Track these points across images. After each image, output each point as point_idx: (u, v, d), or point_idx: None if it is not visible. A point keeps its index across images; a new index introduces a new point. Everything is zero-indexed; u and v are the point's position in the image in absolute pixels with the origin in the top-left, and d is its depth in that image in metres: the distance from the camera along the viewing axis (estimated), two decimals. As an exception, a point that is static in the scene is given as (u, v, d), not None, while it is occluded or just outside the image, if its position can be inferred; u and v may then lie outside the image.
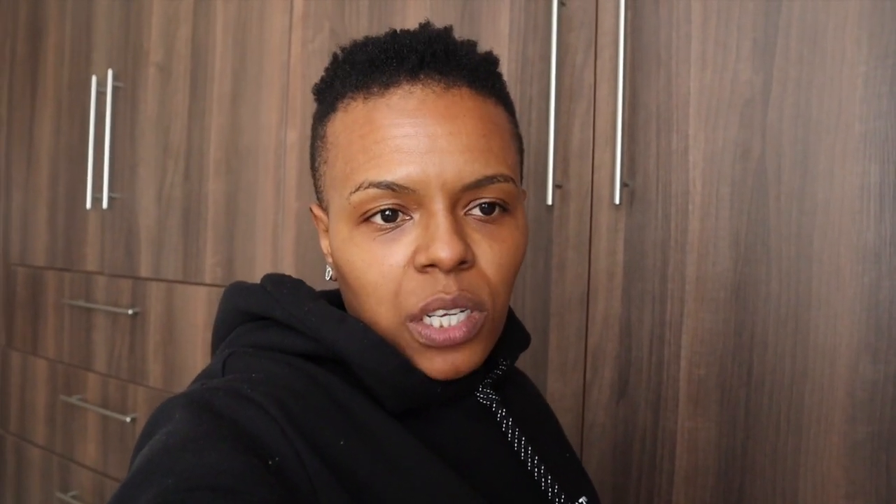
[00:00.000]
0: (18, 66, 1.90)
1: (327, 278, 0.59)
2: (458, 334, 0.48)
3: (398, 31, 0.52)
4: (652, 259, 0.86)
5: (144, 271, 1.51)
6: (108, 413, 1.55)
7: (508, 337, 0.58)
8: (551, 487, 0.53)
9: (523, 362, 0.95)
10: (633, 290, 0.88)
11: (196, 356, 1.40)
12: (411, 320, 0.48)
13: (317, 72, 1.21)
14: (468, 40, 0.54)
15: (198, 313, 1.39)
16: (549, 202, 0.91)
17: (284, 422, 0.42)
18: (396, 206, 0.48)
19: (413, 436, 0.48)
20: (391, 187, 0.47)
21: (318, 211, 0.57)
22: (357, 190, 0.48)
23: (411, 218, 0.48)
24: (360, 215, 0.48)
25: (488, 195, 0.49)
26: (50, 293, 1.77)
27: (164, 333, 1.46)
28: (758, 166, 0.80)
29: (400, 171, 0.47)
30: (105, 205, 1.57)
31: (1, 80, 1.96)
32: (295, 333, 0.51)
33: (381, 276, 0.48)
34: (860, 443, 0.73)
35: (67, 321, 1.71)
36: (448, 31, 0.53)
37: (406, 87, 0.49)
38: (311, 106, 0.58)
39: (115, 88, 1.56)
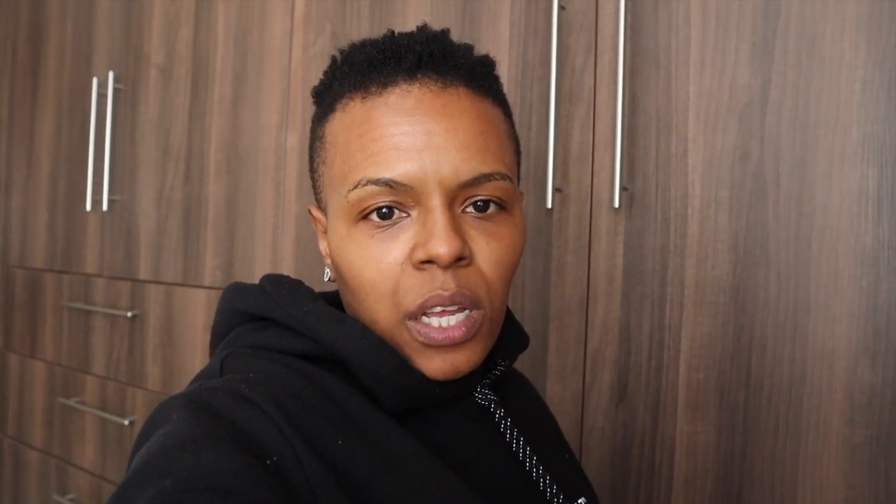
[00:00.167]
0: (19, 67, 1.90)
1: (326, 280, 0.59)
2: (457, 334, 0.48)
3: (395, 32, 0.53)
4: (651, 263, 0.87)
5: (144, 274, 1.51)
6: (106, 416, 1.54)
7: (507, 337, 0.58)
8: (550, 487, 0.53)
9: (522, 366, 0.95)
10: (632, 293, 0.88)
11: (195, 359, 1.39)
12: (410, 318, 0.48)
13: (317, 74, 1.21)
14: (465, 43, 0.55)
15: (197, 316, 1.39)
16: (549, 206, 0.91)
17: (282, 422, 0.42)
18: (394, 204, 0.48)
19: (411, 436, 0.48)
20: (389, 184, 0.47)
21: (316, 212, 0.58)
22: (355, 187, 0.48)
23: (409, 215, 0.49)
24: (359, 213, 0.49)
25: (485, 193, 0.49)
26: (49, 295, 1.77)
27: (164, 336, 1.46)
28: (756, 170, 0.80)
29: (398, 169, 0.47)
30: (105, 207, 1.57)
31: (2, 81, 1.97)
32: (293, 334, 0.51)
33: (378, 273, 0.48)
34: (859, 446, 0.73)
35: (66, 323, 1.71)
36: (445, 32, 0.54)
37: (404, 86, 0.49)
38: (312, 109, 0.58)
39: (115, 90, 1.57)
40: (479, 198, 0.49)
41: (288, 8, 1.26)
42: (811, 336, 0.76)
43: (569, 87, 0.93)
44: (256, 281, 0.55)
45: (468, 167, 0.48)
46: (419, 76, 0.50)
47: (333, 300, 0.58)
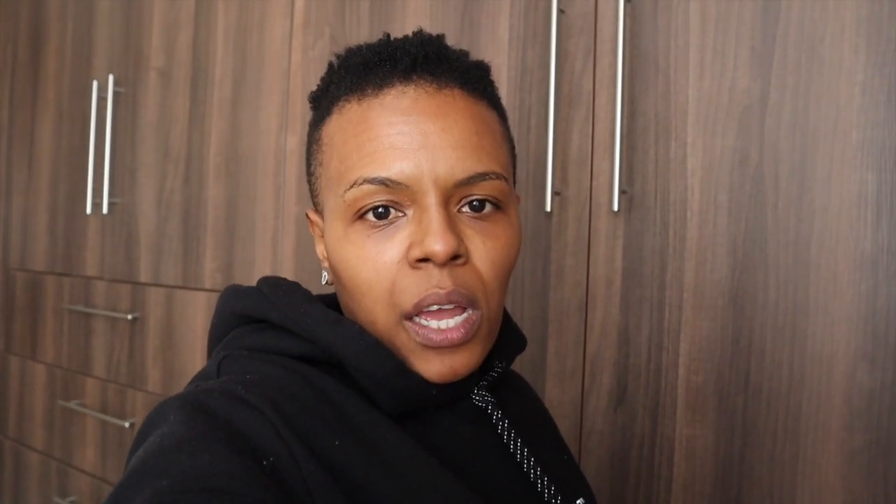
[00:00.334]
0: (19, 70, 1.90)
1: (323, 283, 0.59)
2: (455, 335, 0.48)
3: (391, 37, 0.54)
4: (650, 266, 0.87)
5: (144, 276, 1.51)
6: (106, 418, 1.54)
7: (504, 339, 0.58)
8: (548, 489, 0.53)
9: (521, 368, 0.95)
10: (631, 297, 0.88)
11: (195, 361, 1.39)
12: (407, 318, 0.49)
13: (317, 77, 1.21)
14: (461, 49, 0.55)
15: (197, 318, 1.39)
16: (548, 209, 0.91)
17: (279, 423, 0.43)
18: (390, 203, 0.48)
19: (409, 437, 0.48)
20: (385, 183, 0.48)
21: (313, 216, 0.58)
22: (352, 187, 0.48)
23: (405, 215, 0.49)
24: (355, 213, 0.49)
25: (480, 192, 0.49)
26: (49, 298, 1.77)
27: (164, 338, 1.46)
28: (756, 174, 0.80)
29: (394, 168, 0.47)
30: (105, 210, 1.57)
31: (2, 84, 1.97)
32: (290, 336, 0.51)
33: (375, 273, 0.48)
34: (857, 451, 0.73)
35: (66, 326, 1.71)
36: (440, 37, 0.55)
37: (399, 87, 0.50)
38: (311, 112, 0.58)
39: (115, 93, 1.57)
40: (474, 197, 0.50)
41: (287, 11, 1.26)
42: (810, 340, 0.76)
43: (568, 91, 0.93)
44: (255, 284, 0.56)
45: (463, 166, 0.48)
46: (415, 78, 0.50)
47: (331, 303, 0.58)
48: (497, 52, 1.00)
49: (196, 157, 1.41)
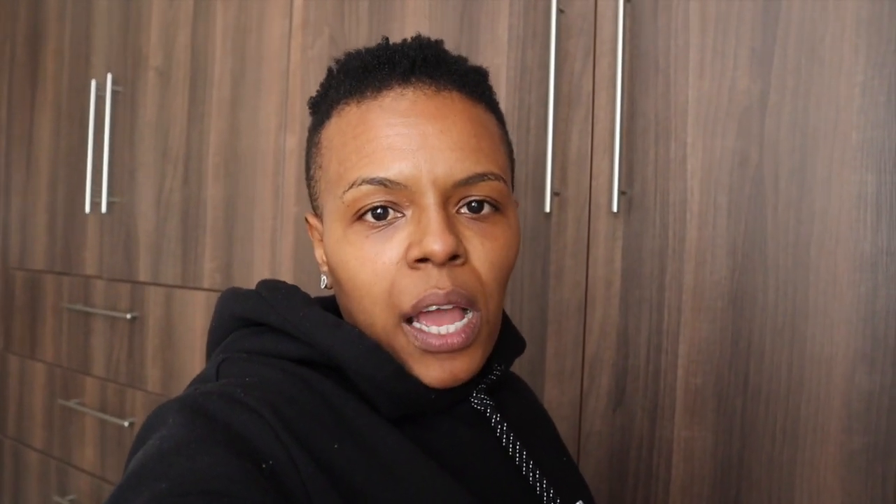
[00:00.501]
0: (18, 69, 1.90)
1: (322, 287, 0.59)
2: (456, 341, 0.48)
3: (389, 41, 0.55)
4: (649, 267, 0.86)
5: (143, 276, 1.51)
6: (106, 417, 1.55)
7: (503, 342, 0.58)
8: (546, 491, 0.53)
9: (521, 369, 0.95)
10: (630, 298, 0.88)
11: (194, 361, 1.39)
12: (406, 321, 0.49)
13: (316, 77, 1.21)
14: (459, 55, 0.56)
15: (196, 318, 1.39)
16: (547, 210, 0.91)
17: (278, 426, 0.43)
18: (388, 204, 0.49)
19: (408, 440, 0.48)
20: (384, 183, 0.48)
21: (313, 220, 0.58)
22: (351, 187, 0.49)
23: (403, 215, 0.49)
24: (354, 213, 0.49)
25: (479, 192, 0.50)
26: (48, 297, 1.77)
27: (163, 338, 1.46)
28: (755, 175, 0.80)
29: (392, 168, 0.48)
30: (104, 209, 1.57)
31: (0, 84, 1.97)
32: (289, 339, 0.51)
33: (374, 273, 0.48)
34: (856, 453, 0.73)
35: (66, 325, 1.71)
36: (439, 41, 0.55)
37: (398, 89, 0.50)
38: (309, 114, 0.58)
39: (114, 93, 1.56)
40: (473, 198, 0.50)
41: (286, 11, 1.26)
42: (809, 342, 0.76)
43: (567, 91, 0.93)
44: (255, 284, 0.56)
45: (462, 166, 0.48)
46: (413, 80, 0.51)
47: (330, 306, 0.58)
48: (496, 52, 1.00)
49: (195, 156, 1.41)
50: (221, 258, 1.35)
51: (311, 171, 0.56)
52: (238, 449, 0.40)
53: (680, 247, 0.84)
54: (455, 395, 0.52)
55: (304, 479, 0.42)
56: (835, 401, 0.74)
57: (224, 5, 1.36)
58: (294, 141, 1.24)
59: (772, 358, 0.78)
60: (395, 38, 1.12)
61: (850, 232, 0.74)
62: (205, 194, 1.39)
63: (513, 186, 0.56)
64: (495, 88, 0.57)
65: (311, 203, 0.57)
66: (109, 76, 1.55)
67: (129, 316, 1.51)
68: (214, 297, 1.36)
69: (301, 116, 1.23)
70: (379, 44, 0.54)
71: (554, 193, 0.92)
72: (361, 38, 1.16)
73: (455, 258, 0.48)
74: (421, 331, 0.48)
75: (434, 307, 0.48)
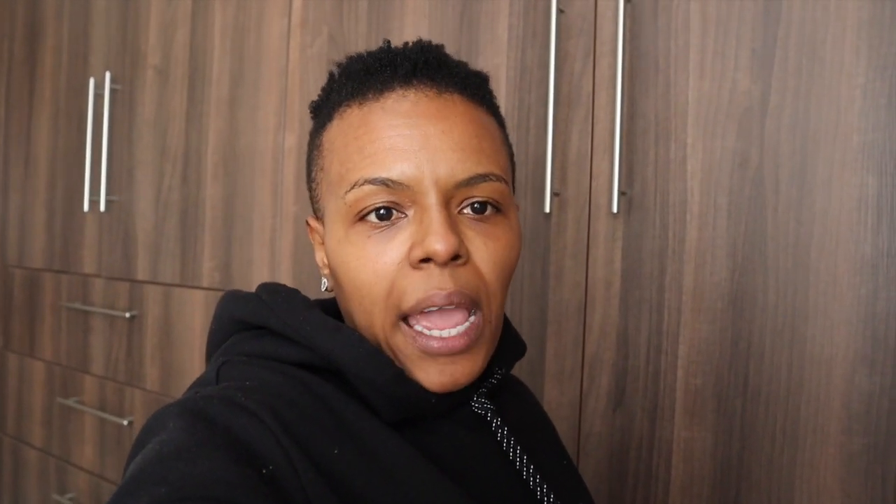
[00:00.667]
0: (16, 68, 1.90)
1: (323, 289, 0.59)
2: (458, 343, 0.48)
3: (391, 44, 0.55)
4: (649, 268, 0.86)
5: (142, 274, 1.51)
6: (105, 416, 1.54)
7: (504, 345, 0.58)
8: (547, 496, 0.53)
9: (520, 370, 0.95)
10: (630, 298, 0.88)
11: (193, 360, 1.39)
12: (404, 319, 0.49)
13: (315, 76, 1.21)
14: (460, 59, 0.56)
15: (195, 317, 1.39)
16: (547, 210, 0.91)
17: (279, 430, 0.42)
18: (391, 204, 0.49)
19: (408, 445, 0.48)
20: (386, 183, 0.48)
21: (314, 223, 0.58)
22: (353, 188, 0.49)
23: (406, 216, 0.49)
24: (356, 214, 0.49)
25: (480, 194, 0.50)
26: (47, 295, 1.77)
27: (162, 337, 1.45)
28: (756, 176, 0.80)
29: (395, 169, 0.48)
30: (102, 207, 1.57)
31: (-1, 81, 1.96)
32: (289, 342, 0.51)
33: (374, 273, 0.48)
34: (856, 454, 0.73)
35: (65, 323, 1.71)
36: (440, 45, 0.55)
37: (400, 91, 0.51)
38: (309, 115, 0.58)
39: (112, 91, 1.56)
40: (474, 199, 0.50)
41: (285, 10, 1.26)
42: (809, 343, 0.76)
43: (567, 92, 0.92)
44: (254, 283, 0.56)
45: (463, 167, 0.49)
46: (415, 82, 0.51)
47: (330, 308, 0.58)
48: (496, 52, 1.00)
49: (194, 155, 1.41)
50: (220, 257, 1.35)
51: (313, 174, 0.56)
52: (238, 454, 0.40)
53: (680, 248, 0.84)
54: (456, 399, 0.52)
55: (304, 483, 0.42)
56: (835, 402, 0.74)
57: (223, 4, 1.36)
58: (293, 140, 1.24)
59: (772, 359, 0.78)
60: (395, 38, 1.12)
61: (851, 234, 0.74)
62: (203, 193, 1.38)
63: (514, 189, 0.57)
64: (495, 88, 0.57)
65: (313, 206, 0.57)
66: (108, 74, 1.55)
67: (127, 314, 1.51)
68: (213, 296, 1.36)
69: (300, 115, 1.23)
70: (380, 47, 0.54)
71: (554, 194, 0.92)
72: (360, 37, 1.16)
73: (457, 258, 0.48)
74: (421, 334, 0.48)
75: (436, 308, 0.48)
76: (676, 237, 0.84)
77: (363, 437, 0.47)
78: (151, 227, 1.49)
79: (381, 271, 0.48)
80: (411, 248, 0.48)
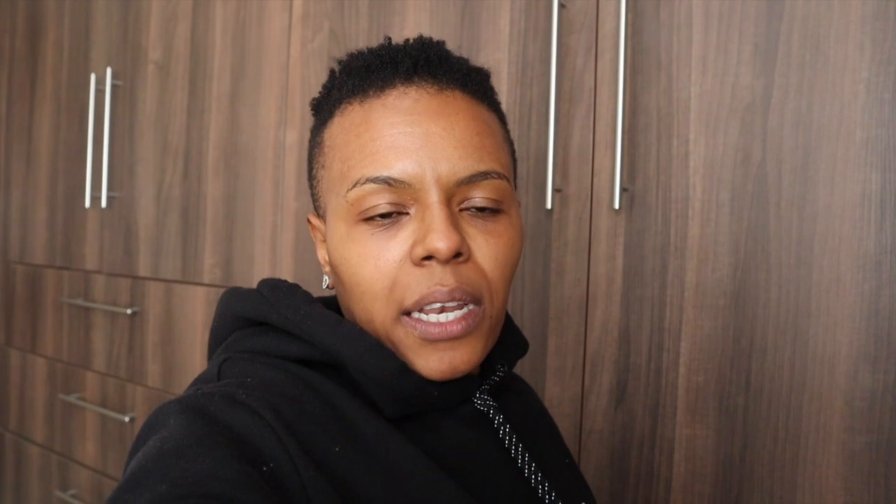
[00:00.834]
0: (17, 63, 1.89)
1: (324, 287, 0.59)
2: (456, 328, 0.48)
3: (392, 41, 0.55)
4: (651, 264, 0.86)
5: (143, 271, 1.51)
6: (106, 412, 1.55)
7: (506, 343, 0.58)
8: (548, 495, 0.53)
9: (522, 366, 0.95)
10: (632, 295, 0.87)
11: (194, 356, 1.39)
12: (406, 313, 0.48)
13: (316, 71, 1.21)
14: (462, 56, 0.56)
15: (196, 313, 1.39)
16: (549, 206, 0.90)
17: (279, 428, 0.42)
18: (392, 206, 0.49)
19: (410, 442, 0.48)
20: (388, 182, 0.48)
21: (315, 220, 0.58)
22: (354, 186, 0.49)
23: (407, 214, 0.49)
24: (358, 213, 0.49)
25: (482, 191, 0.50)
26: (49, 291, 1.77)
27: (163, 333, 1.45)
28: (758, 172, 0.79)
29: (396, 167, 0.48)
30: (104, 203, 1.57)
31: (0, 77, 1.96)
32: (291, 338, 0.51)
33: (376, 270, 0.48)
34: (858, 452, 0.73)
35: (66, 320, 1.71)
36: (441, 42, 0.55)
37: (401, 88, 0.50)
38: (311, 112, 0.58)
39: (113, 87, 1.56)
40: (476, 197, 0.50)
41: (286, 4, 1.25)
42: (811, 340, 0.76)
43: (569, 87, 0.92)
44: (256, 279, 0.56)
45: (465, 165, 0.48)
46: (416, 79, 0.51)
47: (331, 305, 0.58)
48: (497, 47, 0.99)
49: (195, 151, 1.40)
50: (221, 253, 1.35)
51: (314, 171, 0.56)
52: (239, 451, 0.40)
53: (682, 244, 0.84)
54: (458, 394, 0.52)
55: (305, 481, 0.41)
56: (837, 400, 0.74)
57: (224, -1, 1.35)
58: (294, 135, 1.23)
59: (774, 356, 0.78)
60: (396, 33, 1.11)
61: (854, 230, 0.74)
62: (205, 189, 1.38)
63: (515, 185, 0.56)
64: (496, 84, 0.57)
65: (314, 203, 0.57)
66: (109, 70, 1.55)
67: (129, 311, 1.51)
68: (214, 292, 1.36)
69: (301, 111, 1.23)
70: (381, 44, 0.54)
71: (555, 190, 0.92)
72: (361, 32, 1.15)
73: (458, 256, 0.48)
74: (420, 320, 0.48)
75: (438, 305, 0.48)
76: (678, 233, 0.84)
77: (364, 435, 0.46)
78: (153, 223, 1.49)
79: (384, 268, 0.48)
80: (413, 246, 0.48)
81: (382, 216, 0.49)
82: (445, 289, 0.47)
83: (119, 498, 0.37)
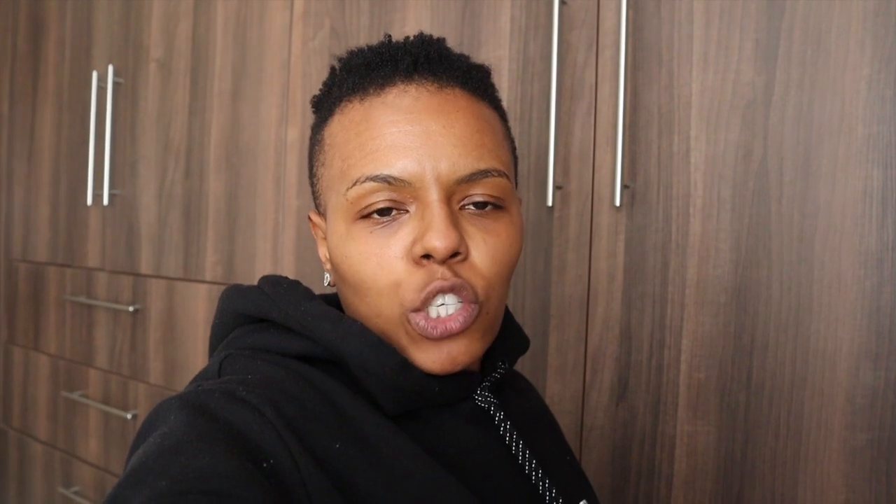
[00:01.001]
0: (19, 61, 1.90)
1: (325, 284, 0.59)
2: (454, 325, 0.48)
3: (392, 38, 0.55)
4: (652, 261, 0.86)
5: (145, 268, 1.51)
6: (109, 409, 1.55)
7: (507, 340, 0.58)
8: (549, 491, 0.53)
9: (523, 363, 0.95)
10: (633, 292, 0.87)
11: (196, 353, 1.40)
12: (413, 311, 0.48)
13: (317, 69, 1.21)
14: (462, 53, 0.56)
15: (198, 310, 1.39)
16: (550, 203, 0.90)
17: (280, 424, 0.42)
18: (392, 203, 0.49)
19: (410, 439, 0.48)
20: (387, 180, 0.48)
21: (316, 218, 0.58)
22: (354, 185, 0.49)
23: (407, 212, 0.49)
24: (358, 211, 0.49)
25: (482, 189, 0.50)
26: (51, 289, 1.77)
27: (165, 330, 1.46)
28: (759, 169, 0.79)
29: (396, 165, 0.48)
30: (106, 201, 1.57)
31: (2, 75, 1.96)
32: (292, 335, 0.51)
33: (378, 266, 0.48)
34: (860, 449, 0.73)
35: (69, 317, 1.72)
36: (441, 39, 0.55)
37: (401, 86, 0.50)
38: (311, 110, 0.58)
39: (115, 84, 1.56)
40: (476, 195, 0.50)
41: (287, 2, 1.25)
42: (813, 337, 0.76)
43: (570, 84, 0.92)
44: (257, 276, 0.56)
45: (465, 163, 0.48)
46: (416, 77, 0.51)
47: (332, 302, 0.58)
48: (498, 44, 0.99)
49: (196, 148, 1.40)
50: (223, 251, 1.35)
51: (315, 169, 0.56)
52: (239, 448, 0.40)
53: (683, 241, 0.84)
54: (459, 390, 0.52)
55: (305, 478, 0.41)
56: (838, 396, 0.74)
57: (225, -4, 1.35)
58: (295, 133, 1.23)
59: (775, 353, 0.78)
60: (397, 30, 1.11)
61: (855, 227, 0.73)
62: (206, 187, 1.38)
63: (516, 183, 0.56)
64: (497, 81, 0.57)
65: (315, 201, 0.57)
66: (111, 68, 1.55)
67: (131, 308, 1.51)
68: (216, 289, 1.36)
69: (302, 109, 1.23)
70: (381, 41, 0.54)
71: (556, 187, 0.92)
72: (363, 29, 1.15)
73: (456, 255, 0.48)
74: (421, 321, 0.48)
75: (440, 299, 0.48)
76: (680, 230, 0.84)
77: (365, 432, 0.47)
78: (154, 220, 1.49)
79: (386, 264, 0.48)
80: (413, 244, 0.48)
81: (382, 213, 0.49)
82: (447, 283, 0.47)
83: (119, 494, 0.37)
